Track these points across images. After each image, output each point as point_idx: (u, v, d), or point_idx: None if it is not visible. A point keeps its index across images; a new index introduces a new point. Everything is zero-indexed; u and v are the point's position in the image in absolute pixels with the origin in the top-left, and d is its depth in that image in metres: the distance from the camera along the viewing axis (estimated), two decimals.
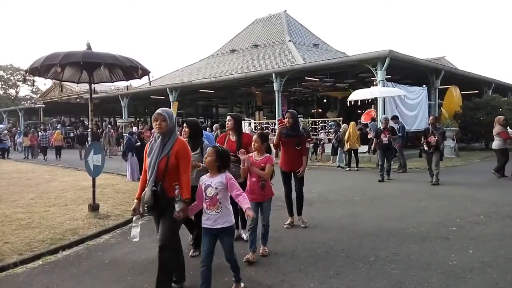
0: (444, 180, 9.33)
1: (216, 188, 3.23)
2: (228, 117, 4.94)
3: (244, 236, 4.78)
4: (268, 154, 4.32)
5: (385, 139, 9.89)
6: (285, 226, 5.46)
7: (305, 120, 17.77)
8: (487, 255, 4.17)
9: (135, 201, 3.34)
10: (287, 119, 5.34)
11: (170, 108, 18.24)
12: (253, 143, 4.30)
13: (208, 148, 3.55)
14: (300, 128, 5.81)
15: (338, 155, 12.92)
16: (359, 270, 3.84)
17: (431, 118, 9.66)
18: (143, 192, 3.23)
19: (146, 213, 3.29)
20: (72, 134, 28.06)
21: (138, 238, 3.23)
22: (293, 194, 5.55)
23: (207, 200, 3.24)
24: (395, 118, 12.34)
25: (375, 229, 5.26)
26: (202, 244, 3.31)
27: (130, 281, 3.77)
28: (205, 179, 3.33)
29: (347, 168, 12.11)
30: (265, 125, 18.67)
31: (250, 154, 4.32)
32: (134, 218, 3.28)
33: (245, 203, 3.23)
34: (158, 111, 3.30)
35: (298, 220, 5.56)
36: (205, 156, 3.54)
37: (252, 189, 4.23)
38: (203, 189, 3.28)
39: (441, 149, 9.17)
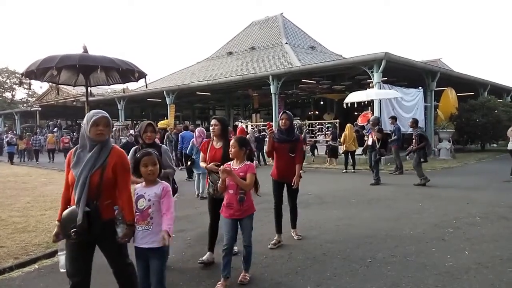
0: (440, 181, 9.38)
1: (149, 200, 2.79)
2: (214, 121, 4.22)
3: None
4: (249, 162, 3.70)
5: (369, 140, 9.90)
6: (269, 246, 4.65)
7: (302, 122, 17.78)
8: (483, 256, 4.19)
9: (56, 223, 2.75)
10: (283, 120, 4.78)
11: (168, 110, 18.29)
12: (230, 148, 3.68)
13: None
14: (296, 131, 5.21)
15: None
16: (355, 271, 3.85)
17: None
18: (65, 213, 2.64)
19: (73, 239, 2.57)
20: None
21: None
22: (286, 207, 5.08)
23: (137, 213, 2.77)
24: (393, 118, 12.28)
25: (371, 231, 5.27)
26: (137, 268, 2.87)
27: None
28: (138, 189, 2.89)
29: (344, 170, 12.13)
30: (262, 127, 18.68)
31: (229, 163, 3.72)
32: (59, 244, 2.77)
33: (165, 224, 2.72)
34: (102, 113, 2.73)
35: (292, 233, 5.05)
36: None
37: (229, 203, 3.61)
38: (134, 199, 2.81)
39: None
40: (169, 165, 3.99)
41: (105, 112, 2.76)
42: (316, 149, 15.66)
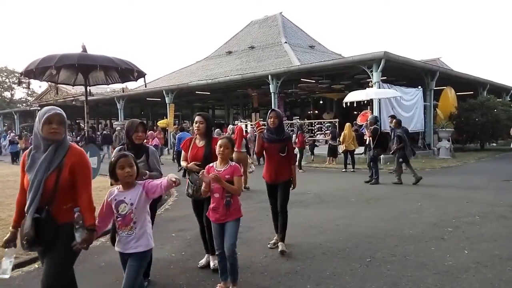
0: (439, 180, 9.39)
1: (131, 205, 2.65)
2: (198, 118, 3.96)
3: (212, 263, 3.96)
4: (233, 163, 3.49)
5: (366, 140, 10.01)
6: (269, 246, 4.59)
7: (301, 121, 17.79)
8: (482, 255, 4.20)
9: (11, 230, 2.57)
10: (271, 119, 4.52)
11: (167, 109, 18.22)
12: (221, 148, 3.40)
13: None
14: (287, 129, 5.02)
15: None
16: (355, 271, 3.85)
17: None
18: (23, 220, 2.44)
19: (26, 249, 2.45)
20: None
21: (9, 274, 2.54)
22: None
23: (119, 219, 2.67)
24: (392, 117, 11.77)
25: (371, 230, 5.28)
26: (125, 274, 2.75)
27: None
28: (115, 194, 2.71)
29: (343, 170, 12.13)
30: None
31: (211, 164, 3.49)
32: (7, 250, 2.53)
33: (165, 179, 2.68)
34: (55, 109, 2.50)
35: (278, 244, 4.53)
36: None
37: (215, 207, 3.39)
38: (113, 205, 2.67)
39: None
40: (156, 167, 3.70)
41: (59, 108, 2.53)
42: (314, 148, 15.67)
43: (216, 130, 12.94)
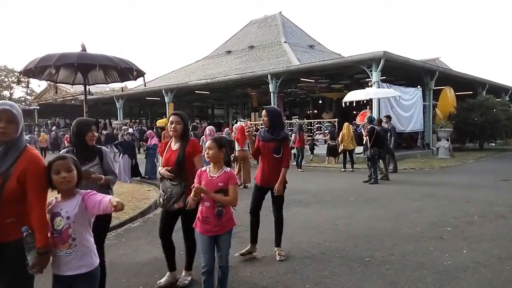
0: (438, 180, 9.40)
1: (67, 218, 2.19)
2: (174, 117, 3.51)
3: (185, 280, 3.61)
4: (229, 169, 3.10)
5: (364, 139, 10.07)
6: (235, 254, 4.14)
7: (301, 121, 17.79)
8: (481, 255, 4.20)
9: None
10: (263, 118, 4.27)
11: (166, 109, 18.06)
12: (206, 151, 3.09)
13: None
14: (285, 129, 4.60)
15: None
16: (354, 270, 3.85)
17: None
18: None
19: None
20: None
21: None
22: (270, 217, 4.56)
23: (55, 235, 2.19)
24: (387, 117, 12.07)
25: (370, 230, 5.28)
26: None
27: (125, 283, 3.76)
28: (53, 204, 2.26)
29: (342, 169, 12.14)
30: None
31: (204, 168, 3.14)
32: None
33: (107, 199, 2.20)
34: (4, 105, 2.14)
35: (274, 251, 4.31)
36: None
37: (205, 218, 3.02)
38: (48, 218, 2.22)
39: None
40: (111, 170, 3.31)
41: (11, 103, 2.18)
42: (314, 147, 15.67)
43: (225, 130, 12.87)
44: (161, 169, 3.54)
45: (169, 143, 3.64)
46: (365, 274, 3.76)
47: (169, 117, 3.60)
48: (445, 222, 5.59)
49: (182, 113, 3.58)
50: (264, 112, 4.26)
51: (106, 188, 3.09)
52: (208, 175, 3.05)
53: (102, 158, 3.22)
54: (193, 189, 2.85)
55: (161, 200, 3.52)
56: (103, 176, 3.09)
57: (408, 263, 4.02)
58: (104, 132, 20.72)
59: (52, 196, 2.29)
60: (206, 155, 3.08)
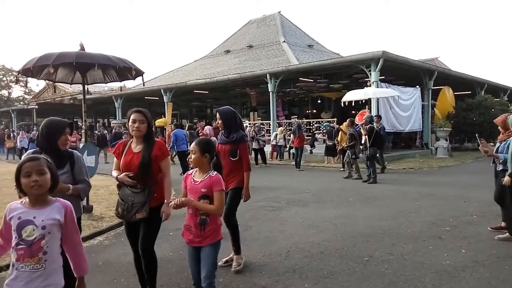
0: (437, 180, 9.41)
1: (43, 228, 1.90)
2: (137, 115, 3.12)
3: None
4: (215, 173, 2.81)
5: (362, 139, 10.11)
6: (219, 263, 3.77)
7: (300, 121, 17.80)
8: (480, 254, 4.21)
9: None
10: (217, 120, 4.07)
11: (165, 108, 18.05)
12: (190, 154, 2.85)
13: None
14: (244, 130, 4.17)
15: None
16: (353, 270, 3.85)
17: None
18: None
19: None
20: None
21: None
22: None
23: (21, 247, 1.88)
24: (378, 117, 11.99)
25: (369, 229, 5.29)
26: None
27: (124, 283, 3.75)
28: (19, 210, 1.94)
29: (342, 169, 12.13)
30: (260, 126, 18.65)
31: (190, 171, 2.90)
32: None
33: (82, 262, 2.03)
34: None
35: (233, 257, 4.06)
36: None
37: (187, 226, 2.80)
38: (14, 226, 1.91)
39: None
40: (84, 178, 2.96)
41: None
42: (314, 142, 15.70)
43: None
44: (116, 174, 3.13)
45: (128, 144, 3.20)
46: (364, 273, 3.76)
47: (130, 115, 3.16)
48: (444, 222, 5.59)
49: (145, 111, 3.20)
50: (218, 114, 4.02)
51: (77, 199, 2.81)
52: (192, 179, 2.82)
53: (73, 164, 2.89)
54: (170, 204, 2.68)
55: (119, 209, 3.08)
56: (70, 186, 2.77)
57: (407, 262, 4.02)
58: (104, 131, 20.75)
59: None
60: (189, 158, 2.89)
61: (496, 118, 5.19)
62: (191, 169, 2.98)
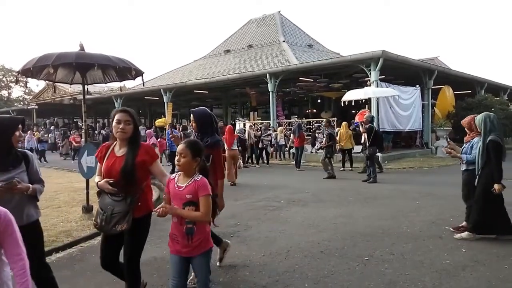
0: (437, 179, 9.41)
1: None
2: (122, 115, 2.82)
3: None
4: (200, 176, 2.57)
5: (362, 139, 10.15)
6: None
7: (300, 120, 17.79)
8: (480, 253, 4.21)
9: None
10: (191, 122, 3.75)
11: (165, 108, 18.07)
12: (177, 157, 2.57)
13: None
14: (219, 134, 3.86)
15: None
16: (353, 269, 3.86)
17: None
18: None
19: None
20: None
21: None
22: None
23: None
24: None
25: (369, 229, 5.29)
26: None
27: (123, 282, 3.74)
28: None
29: (341, 168, 12.14)
30: (259, 126, 18.66)
31: (173, 176, 2.66)
32: None
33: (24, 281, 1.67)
34: None
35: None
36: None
37: (174, 236, 2.57)
38: None
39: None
40: (39, 177, 2.82)
41: None
42: (315, 140, 15.71)
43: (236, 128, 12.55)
44: (98, 180, 2.86)
45: (111, 147, 2.91)
46: (364, 273, 3.76)
47: (114, 115, 2.84)
48: (443, 221, 5.59)
49: (132, 111, 2.90)
50: (191, 116, 3.70)
51: (33, 199, 2.71)
52: (176, 185, 2.56)
53: (28, 163, 2.72)
54: (156, 212, 2.46)
55: (98, 220, 2.76)
56: (30, 185, 2.64)
57: (407, 262, 4.02)
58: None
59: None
60: (176, 161, 2.57)
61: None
62: (175, 172, 2.72)
